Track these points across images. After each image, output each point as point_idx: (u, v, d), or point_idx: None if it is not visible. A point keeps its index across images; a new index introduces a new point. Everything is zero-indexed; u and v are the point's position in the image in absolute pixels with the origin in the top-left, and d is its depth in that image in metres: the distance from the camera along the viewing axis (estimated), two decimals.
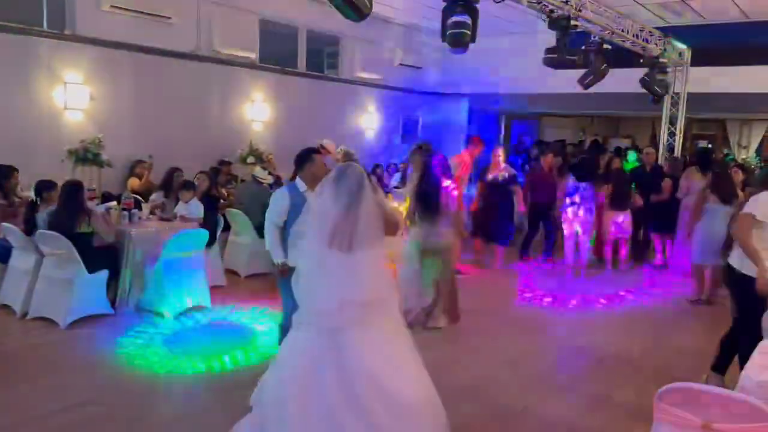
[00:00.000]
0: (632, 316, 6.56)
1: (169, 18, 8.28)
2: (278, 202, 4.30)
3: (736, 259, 4.16)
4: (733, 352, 4.32)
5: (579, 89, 8.82)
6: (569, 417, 4.09)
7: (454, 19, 5.76)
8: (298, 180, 4.40)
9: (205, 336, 5.45)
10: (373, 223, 3.02)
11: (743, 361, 3.54)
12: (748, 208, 4.02)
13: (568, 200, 7.70)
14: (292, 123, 10.14)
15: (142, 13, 8.00)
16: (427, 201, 5.61)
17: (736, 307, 4.32)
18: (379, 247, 3.08)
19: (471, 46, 6.03)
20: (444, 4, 5.96)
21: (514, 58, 11.39)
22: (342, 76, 11.44)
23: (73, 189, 5.59)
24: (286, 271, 4.06)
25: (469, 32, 5.77)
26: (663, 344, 5.69)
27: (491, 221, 8.06)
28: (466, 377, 4.61)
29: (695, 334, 5.98)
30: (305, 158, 4.41)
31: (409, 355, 3.07)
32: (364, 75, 11.69)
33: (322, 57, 11.56)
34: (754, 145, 15.83)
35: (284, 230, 4.28)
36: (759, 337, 3.31)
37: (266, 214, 4.35)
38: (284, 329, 4.25)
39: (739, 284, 4.12)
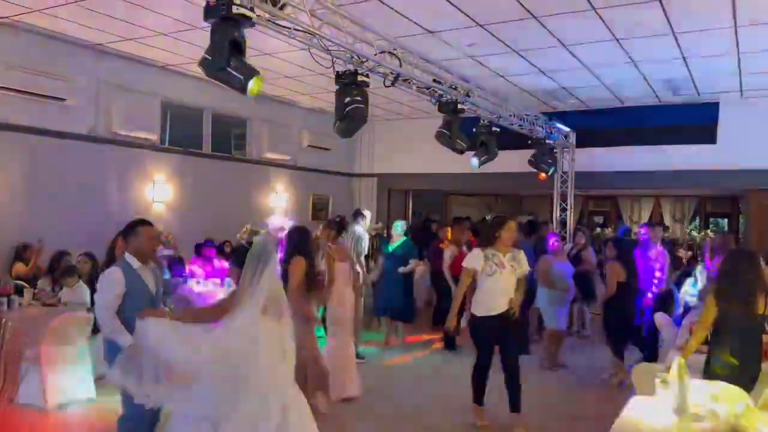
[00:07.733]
0: None
1: (64, 99, 8.13)
2: (112, 285, 3.79)
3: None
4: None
5: (479, 170, 9.19)
6: None
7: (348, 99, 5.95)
8: (128, 256, 3.95)
9: None
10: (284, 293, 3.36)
11: None
12: None
13: None
14: (198, 203, 10.02)
15: (33, 94, 7.79)
16: None
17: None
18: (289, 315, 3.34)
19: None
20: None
21: (418, 139, 11.88)
22: (250, 157, 11.51)
23: None
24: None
25: (364, 107, 5.93)
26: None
27: (393, 297, 8.11)
28: None
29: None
30: (129, 232, 4.02)
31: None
32: (272, 156, 11.81)
33: (229, 138, 11.61)
34: (645, 219, 17.04)
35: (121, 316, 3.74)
36: None
37: (97, 300, 3.86)
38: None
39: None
